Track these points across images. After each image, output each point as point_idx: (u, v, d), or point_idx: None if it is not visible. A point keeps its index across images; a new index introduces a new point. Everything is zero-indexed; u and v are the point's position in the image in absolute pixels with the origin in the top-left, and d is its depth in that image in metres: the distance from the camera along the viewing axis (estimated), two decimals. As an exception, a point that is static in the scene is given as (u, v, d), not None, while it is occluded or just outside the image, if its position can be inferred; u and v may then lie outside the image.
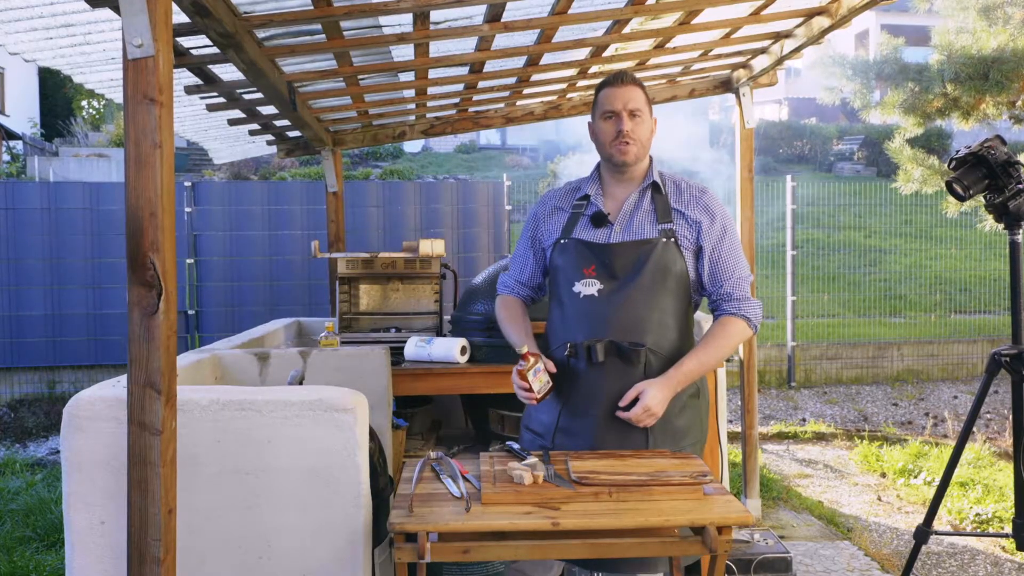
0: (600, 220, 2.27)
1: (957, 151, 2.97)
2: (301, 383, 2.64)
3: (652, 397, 2.10)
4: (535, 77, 4.05)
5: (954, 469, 2.98)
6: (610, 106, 2.24)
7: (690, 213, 2.26)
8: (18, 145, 17.15)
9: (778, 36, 3.71)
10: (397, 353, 3.42)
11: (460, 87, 4.07)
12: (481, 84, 4.04)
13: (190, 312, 7.93)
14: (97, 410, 1.97)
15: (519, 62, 3.71)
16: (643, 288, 2.18)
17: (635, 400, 2.12)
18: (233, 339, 3.49)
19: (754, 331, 2.27)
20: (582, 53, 3.72)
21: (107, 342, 7.80)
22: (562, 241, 2.30)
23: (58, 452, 5.34)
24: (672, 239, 2.22)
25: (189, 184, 7.94)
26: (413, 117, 4.75)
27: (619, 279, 2.20)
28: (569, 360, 2.22)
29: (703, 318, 3.17)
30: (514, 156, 21.60)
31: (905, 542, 4.11)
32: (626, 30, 3.39)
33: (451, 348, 3.29)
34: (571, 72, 4.06)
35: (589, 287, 2.22)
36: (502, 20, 3.03)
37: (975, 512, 4.39)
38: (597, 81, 4.31)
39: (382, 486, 2.30)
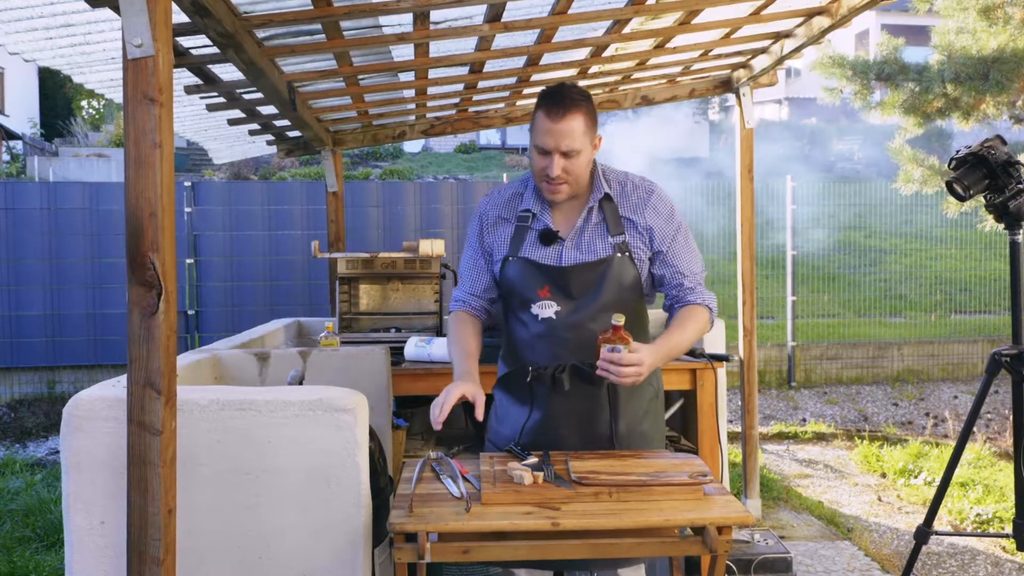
0: (550, 238, 2.16)
1: (957, 151, 2.96)
2: (301, 383, 2.64)
3: (646, 355, 1.97)
4: (535, 77, 4.05)
5: (954, 469, 2.98)
6: (542, 143, 2.07)
7: (639, 220, 2.17)
8: (18, 145, 17.16)
9: (778, 36, 3.71)
10: (397, 353, 3.42)
11: (460, 87, 4.07)
12: (481, 84, 4.04)
13: (190, 312, 7.93)
14: (97, 410, 1.97)
15: (519, 62, 3.71)
16: (602, 307, 2.12)
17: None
18: (233, 339, 3.49)
19: (712, 324, 2.22)
20: (582, 53, 3.72)
21: (107, 342, 7.80)
22: (511, 259, 2.19)
23: (58, 452, 5.34)
24: (626, 252, 2.15)
25: (189, 184, 7.94)
26: (413, 117, 4.75)
27: (576, 300, 2.13)
28: (532, 384, 2.18)
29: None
30: (514, 156, 21.60)
31: (905, 542, 4.11)
32: (626, 30, 3.39)
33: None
34: (571, 72, 4.05)
35: (546, 309, 2.14)
36: (502, 20, 3.03)
37: (975, 512, 4.38)
38: (597, 81, 4.33)
39: (382, 486, 2.29)
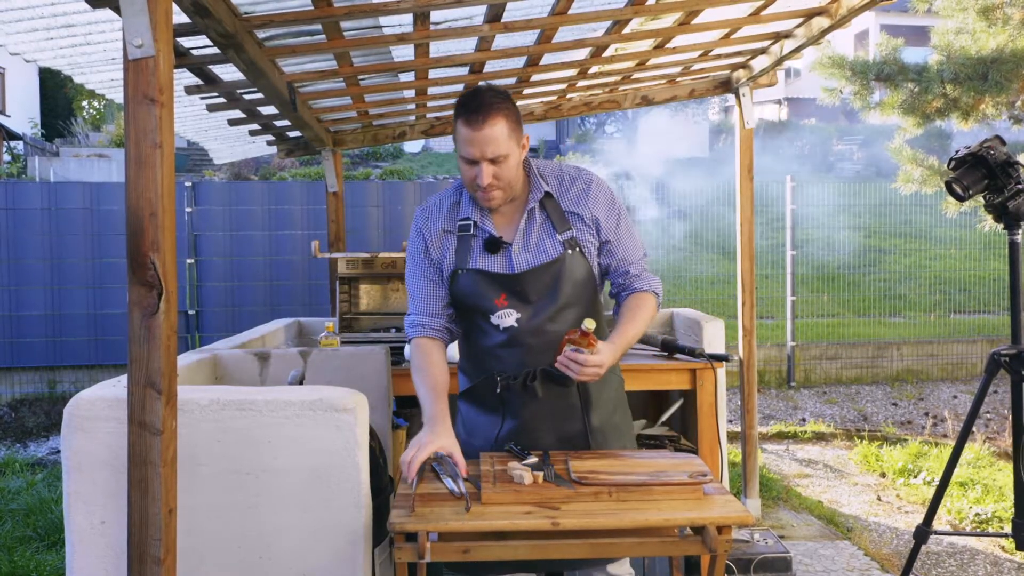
0: (495, 246, 2.12)
1: (956, 151, 2.96)
2: (301, 383, 2.64)
3: (606, 356, 1.98)
4: (535, 77, 4.06)
5: (953, 469, 2.98)
6: (467, 153, 2.01)
7: (585, 213, 2.14)
8: (18, 145, 17.17)
9: (778, 36, 3.71)
10: (397, 353, 3.42)
11: (460, 87, 4.07)
12: (481, 84, 4.04)
13: (190, 312, 7.93)
14: (97, 410, 1.98)
15: (519, 62, 3.72)
16: (562, 307, 2.11)
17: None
18: (233, 339, 3.50)
19: (659, 307, 2.23)
20: (582, 53, 3.73)
21: (107, 342, 7.81)
22: (461, 271, 2.13)
23: (58, 452, 5.34)
24: (576, 248, 2.12)
25: (189, 184, 7.95)
26: (413, 117, 4.75)
27: (535, 304, 2.10)
28: (502, 394, 2.14)
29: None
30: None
31: (905, 542, 4.12)
32: (626, 30, 3.39)
33: (451, 348, 3.29)
34: (571, 72, 4.06)
35: (507, 318, 2.10)
36: (502, 20, 3.04)
37: (975, 512, 4.39)
38: (598, 82, 4.33)
39: (382, 486, 2.30)
